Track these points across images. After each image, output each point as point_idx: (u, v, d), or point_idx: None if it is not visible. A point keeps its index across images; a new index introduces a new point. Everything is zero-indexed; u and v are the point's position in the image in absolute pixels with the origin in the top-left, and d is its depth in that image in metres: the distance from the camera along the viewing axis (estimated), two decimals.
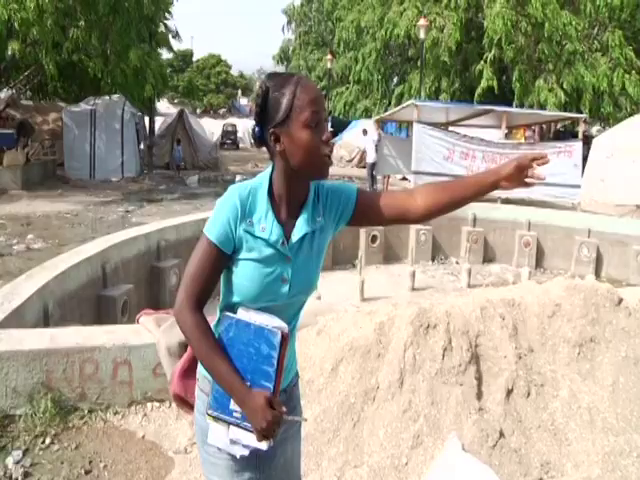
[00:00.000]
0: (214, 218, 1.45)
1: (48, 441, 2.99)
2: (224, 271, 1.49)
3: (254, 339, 1.42)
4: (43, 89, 21.15)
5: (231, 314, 1.46)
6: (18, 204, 11.52)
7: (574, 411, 2.95)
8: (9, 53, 12.19)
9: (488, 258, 9.41)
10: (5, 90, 18.54)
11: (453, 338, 3.19)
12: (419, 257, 8.98)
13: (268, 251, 1.45)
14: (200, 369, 1.55)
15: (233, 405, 1.43)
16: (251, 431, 1.42)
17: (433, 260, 9.26)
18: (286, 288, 1.47)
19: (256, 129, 1.47)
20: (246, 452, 1.47)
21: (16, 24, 11.71)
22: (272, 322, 1.44)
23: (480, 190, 1.55)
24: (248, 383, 1.41)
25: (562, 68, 19.10)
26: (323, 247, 1.56)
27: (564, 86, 18.77)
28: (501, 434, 2.89)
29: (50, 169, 16.27)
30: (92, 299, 5.22)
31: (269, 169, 1.51)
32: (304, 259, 1.50)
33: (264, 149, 1.51)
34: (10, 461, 2.80)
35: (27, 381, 3.17)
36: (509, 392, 3.10)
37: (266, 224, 1.44)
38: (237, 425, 1.44)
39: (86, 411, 3.25)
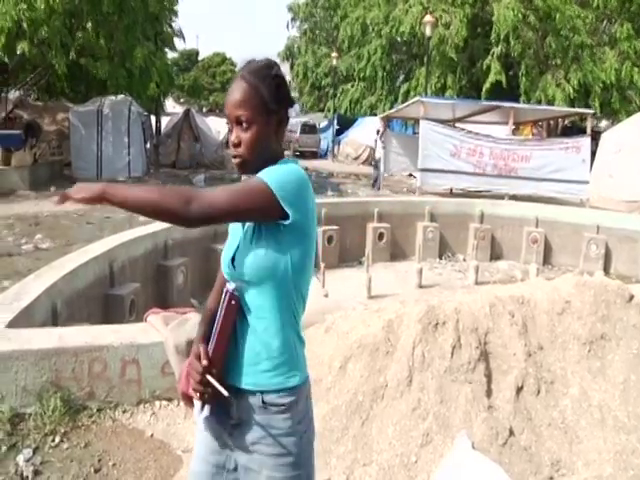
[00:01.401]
0: (286, 180, 1.42)
1: (58, 440, 3.00)
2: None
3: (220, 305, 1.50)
4: (50, 89, 21.25)
5: (230, 288, 1.49)
6: (26, 204, 11.56)
7: (585, 409, 2.93)
8: (18, 53, 12.23)
9: (495, 255, 9.38)
10: (13, 91, 18.65)
11: (462, 335, 3.17)
12: (426, 254, 8.96)
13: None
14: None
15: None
16: None
17: (440, 257, 9.23)
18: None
19: None
20: (203, 416, 1.53)
21: (25, 24, 11.75)
22: (230, 286, 1.49)
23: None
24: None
25: (570, 63, 18.98)
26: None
27: (572, 81, 18.65)
28: (511, 432, 2.87)
29: (57, 169, 16.32)
30: (100, 298, 5.23)
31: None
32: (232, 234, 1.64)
33: None
34: (21, 459, 2.81)
35: (36, 380, 3.18)
36: (519, 390, 3.08)
37: None
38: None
39: (95, 410, 3.26)
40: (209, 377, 1.45)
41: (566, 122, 21.85)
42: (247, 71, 1.51)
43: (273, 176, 1.42)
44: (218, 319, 1.47)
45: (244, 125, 1.47)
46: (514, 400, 3.03)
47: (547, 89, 18.88)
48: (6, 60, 13.14)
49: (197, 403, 1.53)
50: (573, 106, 18.31)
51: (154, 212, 1.38)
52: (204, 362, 1.44)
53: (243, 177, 1.60)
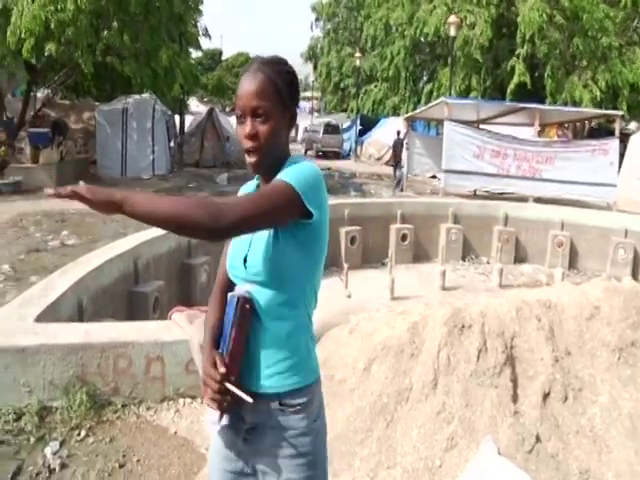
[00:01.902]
0: (312, 183, 1.39)
1: (83, 434, 3.03)
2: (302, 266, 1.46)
3: (229, 309, 1.45)
4: (77, 88, 21.57)
5: (234, 293, 1.46)
6: (53, 201, 11.69)
7: (615, 418, 2.86)
8: (46, 54, 12.48)
9: (520, 258, 9.27)
10: (41, 90, 18.98)
11: (488, 339, 3.13)
12: (449, 256, 8.89)
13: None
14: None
15: None
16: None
17: (464, 259, 9.15)
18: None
19: None
20: (217, 427, 1.50)
21: (53, 25, 11.96)
22: (242, 289, 1.46)
23: None
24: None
25: (597, 64, 18.66)
26: None
27: (600, 82, 18.34)
28: (538, 439, 2.83)
29: (83, 167, 16.54)
30: (124, 295, 5.28)
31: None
32: None
33: (291, 147, 1.54)
34: (48, 451, 2.85)
35: (63, 374, 3.22)
36: (546, 396, 3.03)
37: None
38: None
39: (119, 405, 3.29)
40: (228, 385, 1.41)
41: (593, 124, 21.51)
42: (262, 63, 1.46)
43: (295, 176, 1.38)
44: (231, 324, 1.42)
45: (262, 117, 1.42)
46: (541, 406, 2.98)
47: (574, 90, 18.60)
48: (34, 61, 13.37)
49: (211, 413, 1.48)
50: (600, 108, 18.01)
51: (179, 227, 1.28)
52: (222, 369, 1.40)
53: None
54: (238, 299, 1.42)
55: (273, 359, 1.46)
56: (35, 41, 12.04)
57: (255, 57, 1.53)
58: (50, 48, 12.39)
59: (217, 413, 1.46)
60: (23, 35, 11.86)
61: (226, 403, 1.43)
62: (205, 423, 1.53)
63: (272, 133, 1.43)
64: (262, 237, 1.44)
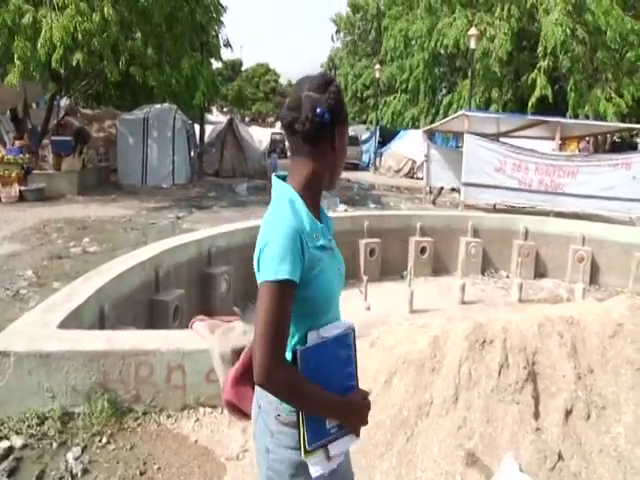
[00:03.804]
0: (278, 256, 1.37)
1: (105, 440, 3.06)
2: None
3: (333, 352, 1.46)
4: (99, 97, 21.93)
5: (307, 346, 1.45)
6: (74, 208, 11.91)
7: None
8: (74, 64, 12.77)
9: (540, 273, 9.17)
10: (65, 99, 19.32)
11: (510, 355, 3.11)
12: (469, 270, 8.84)
13: (327, 253, 1.49)
14: (279, 402, 1.46)
15: (329, 424, 1.46)
16: (348, 433, 1.48)
17: (483, 273, 9.09)
18: (341, 278, 1.56)
19: (326, 115, 1.43)
20: (343, 457, 1.52)
21: (80, 35, 12.23)
22: (340, 328, 1.50)
23: None
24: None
25: (622, 77, 18.49)
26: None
27: (625, 96, 18.16)
28: (560, 456, 2.79)
29: (104, 175, 16.79)
30: (145, 303, 5.33)
31: (282, 184, 1.51)
32: (336, 248, 1.59)
33: None
34: (70, 456, 2.89)
35: (85, 381, 3.26)
36: (568, 413, 2.99)
37: (317, 232, 1.47)
38: (336, 439, 1.47)
39: (140, 413, 3.31)
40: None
41: (615, 137, 21.30)
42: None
43: (267, 264, 1.39)
44: (355, 358, 1.53)
45: None
46: (563, 423, 2.95)
47: (597, 104, 18.41)
48: (62, 71, 13.66)
49: (318, 456, 1.45)
50: (624, 121, 17.83)
51: None
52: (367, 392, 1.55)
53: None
54: (353, 330, 1.54)
55: None
56: (64, 51, 12.33)
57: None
58: (77, 58, 12.66)
59: (348, 439, 1.50)
60: (54, 45, 12.13)
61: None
62: (325, 466, 1.45)
63: None
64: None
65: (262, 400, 1.51)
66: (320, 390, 1.41)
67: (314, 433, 1.42)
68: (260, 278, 1.41)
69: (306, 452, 1.42)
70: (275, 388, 1.37)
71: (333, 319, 1.52)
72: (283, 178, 1.54)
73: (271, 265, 1.37)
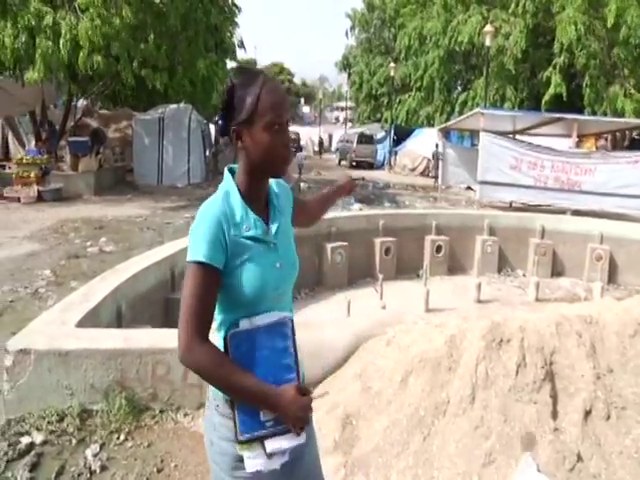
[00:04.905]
0: (198, 240, 1.43)
1: (122, 438, 3.09)
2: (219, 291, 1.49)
3: (266, 340, 1.44)
4: (115, 98, 22.13)
5: (237, 330, 1.45)
6: (91, 208, 12.04)
7: None
8: (95, 66, 12.99)
9: (557, 271, 9.08)
10: (82, 100, 19.53)
11: (527, 354, 3.08)
12: (485, 269, 8.78)
13: (259, 246, 1.50)
14: (217, 393, 1.48)
15: (263, 416, 1.41)
16: (288, 431, 1.42)
17: (499, 272, 9.02)
18: (281, 273, 1.54)
19: (219, 122, 1.52)
20: (286, 457, 1.46)
21: (100, 39, 12.41)
22: (275, 317, 1.48)
23: (328, 202, 2.06)
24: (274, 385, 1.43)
25: None
26: (292, 234, 1.67)
27: None
28: (579, 457, 2.76)
29: (120, 175, 16.94)
30: (161, 302, 5.37)
31: (226, 177, 1.56)
32: (285, 244, 1.59)
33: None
34: (89, 453, 2.92)
35: (103, 379, 3.29)
36: (587, 413, 2.96)
37: (249, 223, 1.49)
38: (273, 435, 1.41)
39: (157, 411, 3.34)
40: (315, 396, 1.48)
41: (634, 134, 21.00)
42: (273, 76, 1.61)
43: (190, 248, 1.45)
44: (294, 349, 1.48)
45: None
46: (582, 424, 2.91)
47: (615, 100, 18.18)
48: (89, 72, 13.86)
49: (253, 450, 1.42)
50: None
51: None
52: (311, 390, 1.49)
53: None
54: (291, 321, 1.50)
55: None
56: (87, 54, 12.54)
57: (262, 69, 1.66)
58: (98, 60, 12.85)
59: (289, 437, 1.43)
60: (75, 47, 12.32)
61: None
62: (263, 463, 1.42)
63: None
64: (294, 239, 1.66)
65: (209, 393, 1.54)
66: (247, 375, 1.39)
67: (245, 423, 1.40)
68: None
69: (240, 443, 1.40)
70: (195, 366, 1.40)
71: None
72: (234, 171, 1.59)
73: (192, 247, 1.44)
